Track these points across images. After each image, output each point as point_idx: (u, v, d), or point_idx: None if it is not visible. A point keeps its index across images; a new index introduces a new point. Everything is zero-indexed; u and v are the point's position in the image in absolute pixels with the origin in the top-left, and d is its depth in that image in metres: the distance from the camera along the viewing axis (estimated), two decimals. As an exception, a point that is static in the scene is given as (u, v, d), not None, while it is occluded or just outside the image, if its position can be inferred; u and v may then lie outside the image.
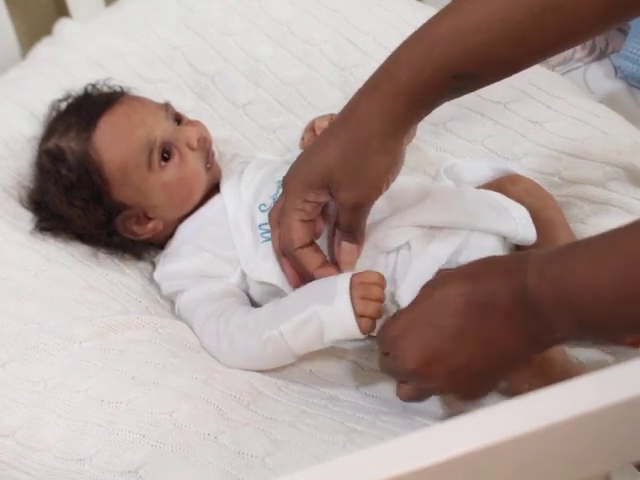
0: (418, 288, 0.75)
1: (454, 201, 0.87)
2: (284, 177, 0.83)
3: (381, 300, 0.79)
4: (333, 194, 0.79)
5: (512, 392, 0.77)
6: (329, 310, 0.78)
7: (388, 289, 0.82)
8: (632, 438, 0.49)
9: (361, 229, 0.82)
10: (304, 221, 0.82)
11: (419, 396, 0.77)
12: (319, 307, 0.79)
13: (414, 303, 0.75)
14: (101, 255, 0.97)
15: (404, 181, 0.85)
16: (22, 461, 0.75)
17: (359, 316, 0.78)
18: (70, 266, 0.92)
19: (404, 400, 0.78)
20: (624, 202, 0.94)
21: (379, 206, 0.83)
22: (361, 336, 0.79)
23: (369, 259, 0.86)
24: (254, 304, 0.91)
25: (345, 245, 0.82)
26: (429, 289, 0.74)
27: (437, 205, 0.87)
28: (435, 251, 0.84)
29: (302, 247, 0.82)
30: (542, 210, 0.90)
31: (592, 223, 0.94)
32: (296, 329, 0.80)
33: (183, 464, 0.72)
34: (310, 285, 0.83)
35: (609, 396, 0.47)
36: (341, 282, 0.79)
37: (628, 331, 0.73)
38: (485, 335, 0.69)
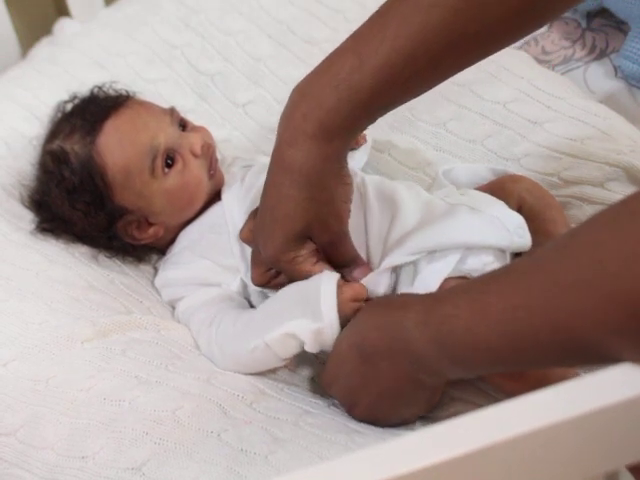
0: None
1: (448, 223, 0.85)
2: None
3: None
4: (316, 242, 0.79)
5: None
6: (315, 328, 0.77)
7: None
8: (628, 440, 0.50)
9: (354, 253, 0.83)
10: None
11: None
12: (304, 322, 0.77)
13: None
14: (102, 256, 0.97)
15: (401, 195, 0.85)
16: (24, 459, 0.75)
17: None
18: (71, 266, 0.92)
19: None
20: (623, 202, 0.95)
21: (377, 222, 0.85)
22: None
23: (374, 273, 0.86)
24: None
25: (357, 272, 0.82)
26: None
27: (435, 229, 0.85)
28: (435, 269, 0.83)
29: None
30: (543, 210, 0.90)
31: (591, 223, 0.94)
32: (280, 340, 0.79)
33: (186, 461, 0.72)
34: (294, 288, 0.81)
35: (604, 398, 0.47)
36: (325, 296, 0.77)
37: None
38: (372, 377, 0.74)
